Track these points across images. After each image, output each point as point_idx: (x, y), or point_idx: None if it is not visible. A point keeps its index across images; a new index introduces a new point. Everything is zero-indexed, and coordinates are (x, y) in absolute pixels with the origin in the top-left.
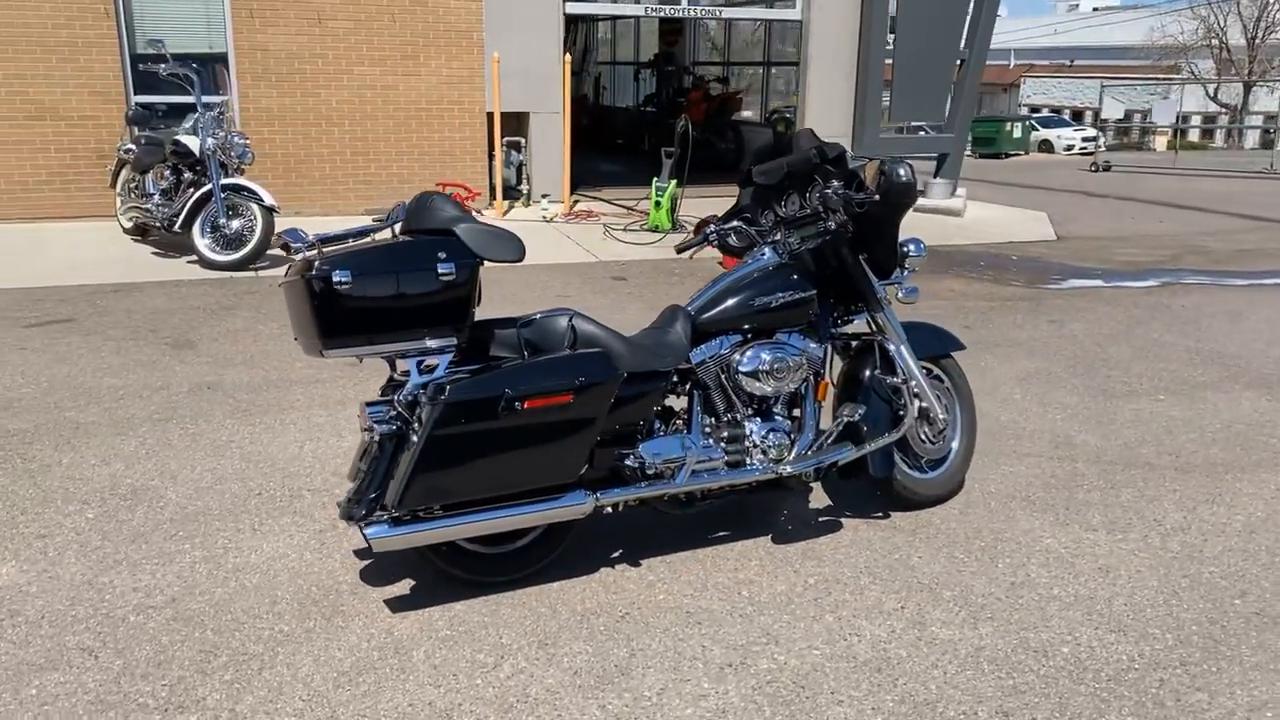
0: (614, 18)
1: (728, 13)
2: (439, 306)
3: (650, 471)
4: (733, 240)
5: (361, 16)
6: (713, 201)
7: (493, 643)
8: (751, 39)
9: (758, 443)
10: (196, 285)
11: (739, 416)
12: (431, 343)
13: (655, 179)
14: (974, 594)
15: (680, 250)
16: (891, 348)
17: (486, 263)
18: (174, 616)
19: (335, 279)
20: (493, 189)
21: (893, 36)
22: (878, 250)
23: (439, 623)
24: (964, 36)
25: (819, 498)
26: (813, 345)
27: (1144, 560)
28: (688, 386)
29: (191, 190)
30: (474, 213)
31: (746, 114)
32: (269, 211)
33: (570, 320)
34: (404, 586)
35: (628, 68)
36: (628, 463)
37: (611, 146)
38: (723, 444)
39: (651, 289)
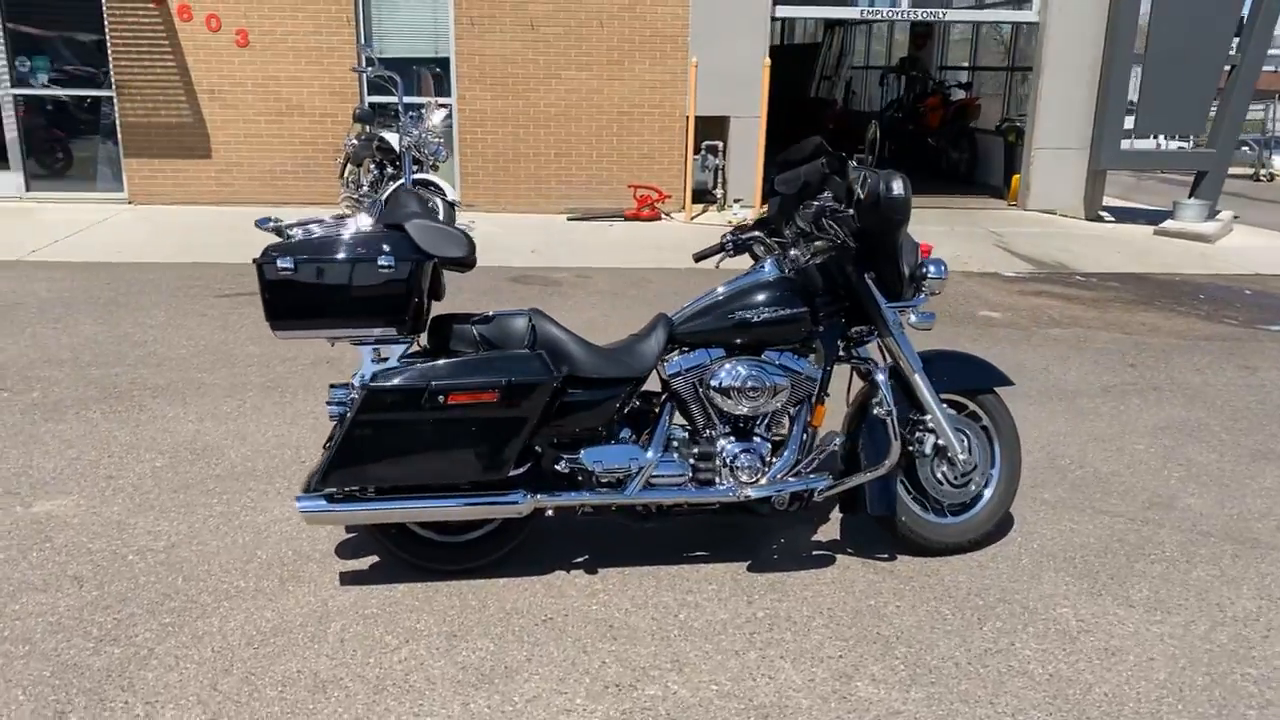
0: (834, 21)
1: (950, 15)
2: (378, 299)
3: (599, 479)
4: (758, 250)
5: (572, 23)
6: (925, 213)
7: (407, 626)
8: (997, 42)
9: (728, 462)
10: None
11: (715, 434)
12: (375, 332)
13: None
14: (931, 655)
15: (699, 259)
16: (905, 376)
17: (437, 259)
18: (163, 561)
19: (279, 264)
20: (694, 193)
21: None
22: (883, 269)
23: (372, 600)
24: (1236, 37)
25: (828, 530)
26: (806, 366)
27: (1168, 648)
28: (664, 397)
29: (390, 183)
30: (662, 215)
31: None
32: (450, 206)
33: (530, 320)
34: (366, 563)
35: (878, 72)
36: (575, 467)
37: (852, 151)
38: (692, 459)
39: None
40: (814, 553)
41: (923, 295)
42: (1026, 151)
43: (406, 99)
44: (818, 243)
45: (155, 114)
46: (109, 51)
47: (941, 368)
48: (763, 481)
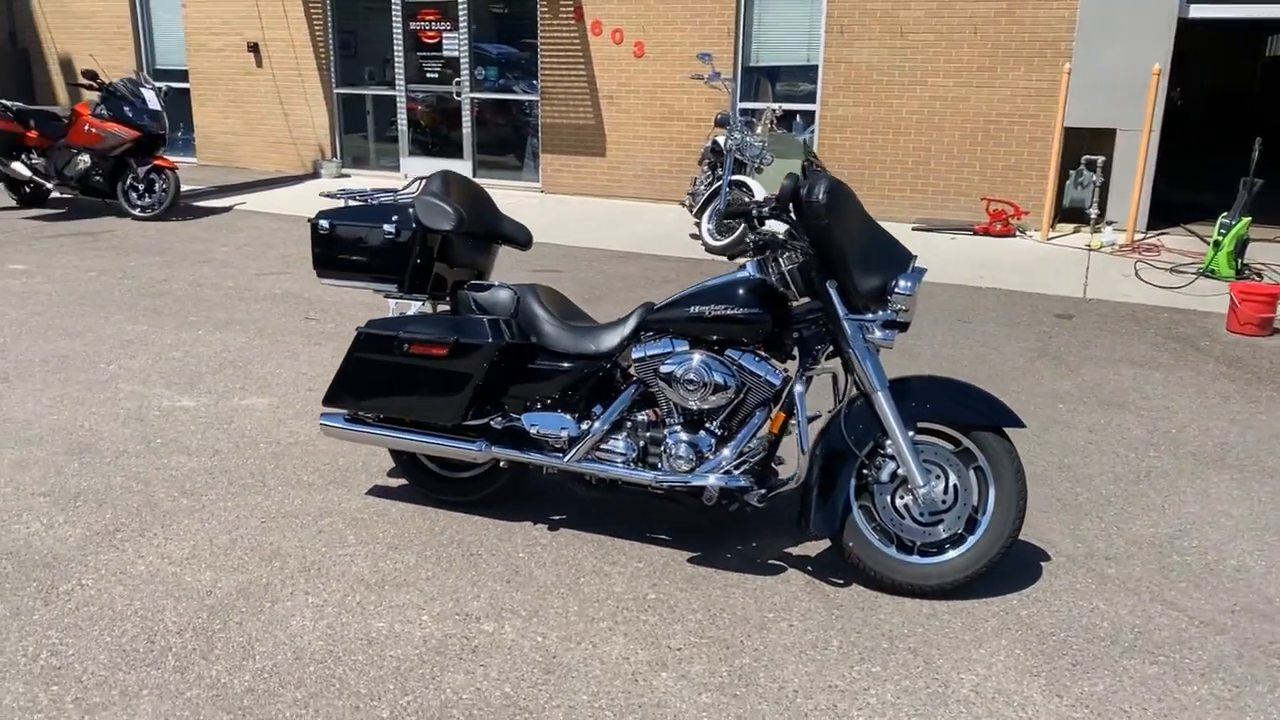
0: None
1: None
2: (383, 259)
3: (545, 443)
4: (780, 255)
5: (943, 29)
6: None
7: (369, 532)
8: None
9: (669, 449)
10: (676, 263)
11: (670, 421)
12: (387, 287)
13: (1223, 214)
14: (738, 661)
15: (719, 252)
16: (872, 396)
17: (433, 230)
18: (166, 443)
19: (321, 224)
20: (1056, 209)
21: None
22: (839, 277)
23: (369, 507)
24: None
25: (814, 547)
26: (766, 370)
27: None
28: (630, 380)
29: (715, 184)
30: (1016, 232)
31: None
32: None
33: (516, 294)
34: (400, 481)
35: None
36: (519, 427)
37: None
38: (643, 442)
39: (1081, 337)
40: (772, 561)
41: (887, 310)
42: None
43: (756, 105)
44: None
45: (566, 116)
46: (539, 62)
47: (924, 393)
48: (684, 470)
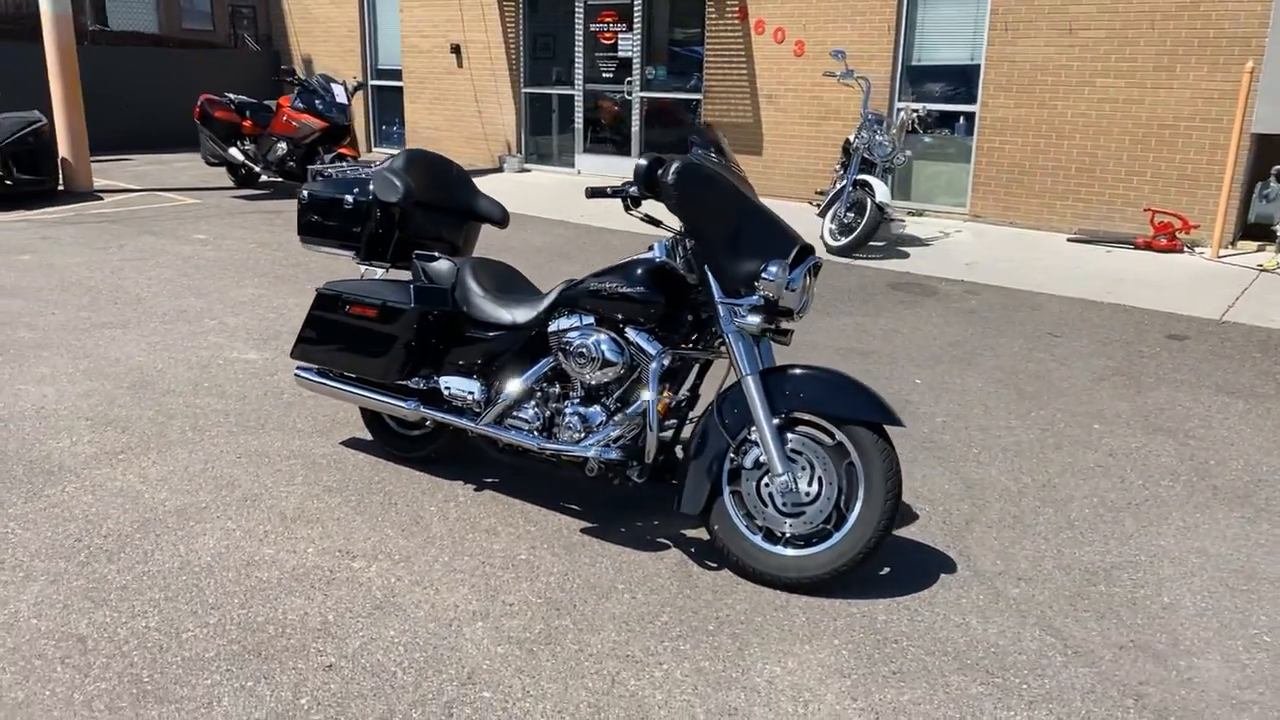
0: None
1: None
2: (343, 227)
3: (465, 407)
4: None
5: (1117, 25)
6: None
7: (317, 478)
8: None
9: (564, 420)
10: None
11: (572, 393)
12: (348, 254)
13: None
14: (552, 628)
15: (591, 194)
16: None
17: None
18: (211, 387)
19: (302, 195)
20: (1240, 224)
21: None
22: (711, 260)
23: (332, 453)
24: None
25: None
26: (649, 351)
27: None
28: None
29: (841, 183)
30: (1184, 248)
31: None
32: (879, 209)
33: (457, 266)
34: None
35: None
36: (437, 388)
37: None
38: (549, 411)
39: (1180, 360)
40: (660, 539)
41: (756, 296)
42: None
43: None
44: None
45: (727, 115)
46: (704, 61)
47: (799, 382)
48: (574, 441)
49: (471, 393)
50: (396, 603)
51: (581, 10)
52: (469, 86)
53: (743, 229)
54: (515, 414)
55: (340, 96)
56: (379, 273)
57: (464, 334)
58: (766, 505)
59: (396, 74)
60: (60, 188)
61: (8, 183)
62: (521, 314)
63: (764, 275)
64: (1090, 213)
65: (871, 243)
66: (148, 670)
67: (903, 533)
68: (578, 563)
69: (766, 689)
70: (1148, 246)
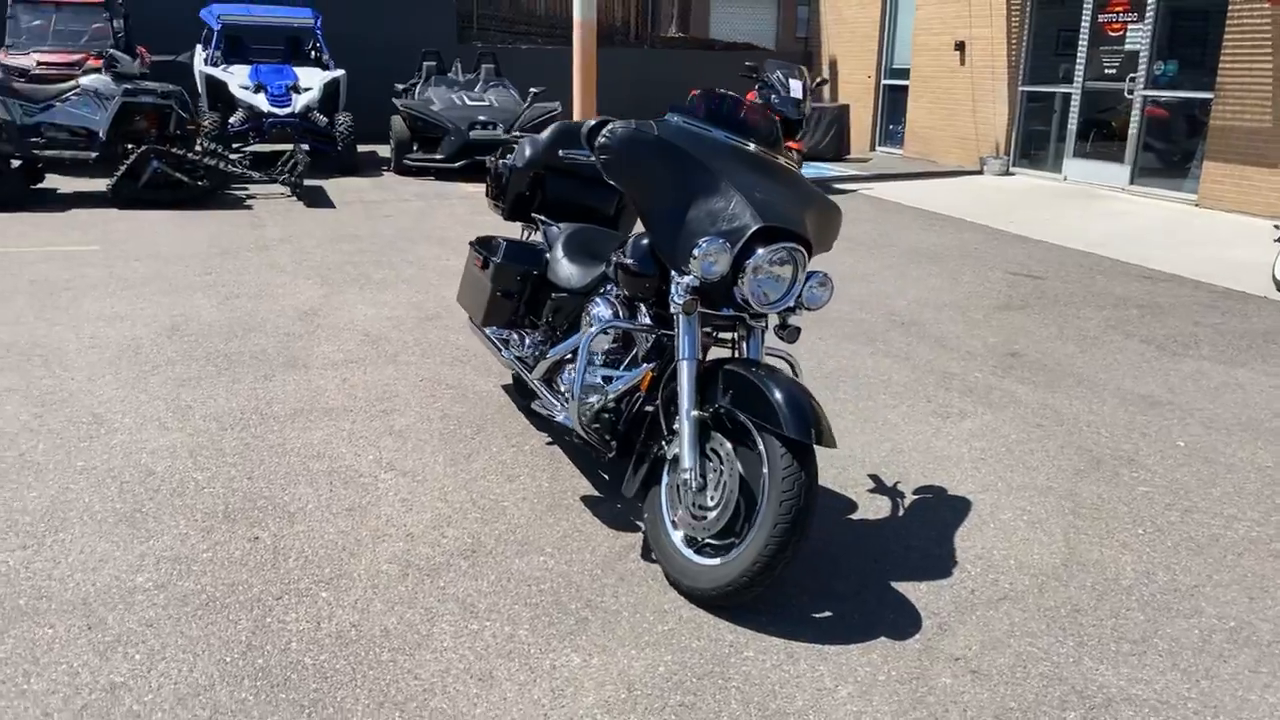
0: None
1: None
2: (497, 189)
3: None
4: None
5: None
6: None
7: (396, 398)
8: None
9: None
10: (1215, 295)
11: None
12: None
13: None
14: (424, 569)
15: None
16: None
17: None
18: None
19: (492, 165)
20: None
21: None
22: (652, 232)
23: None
24: None
25: None
26: (605, 315)
27: None
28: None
29: None
30: None
31: None
32: None
33: (561, 232)
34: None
35: None
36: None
37: None
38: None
39: None
40: (639, 521)
41: (688, 277)
42: None
43: None
44: None
45: (1240, 117)
46: (1220, 55)
47: (739, 380)
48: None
49: (529, 345)
50: (358, 505)
51: (1090, 1)
52: (967, 84)
53: (696, 203)
54: (558, 376)
55: (795, 91)
56: (536, 236)
57: (549, 294)
58: (679, 501)
59: (905, 73)
60: None
61: None
62: (580, 282)
63: (696, 252)
64: None
65: None
66: None
67: None
68: (532, 525)
69: (548, 673)
70: None
